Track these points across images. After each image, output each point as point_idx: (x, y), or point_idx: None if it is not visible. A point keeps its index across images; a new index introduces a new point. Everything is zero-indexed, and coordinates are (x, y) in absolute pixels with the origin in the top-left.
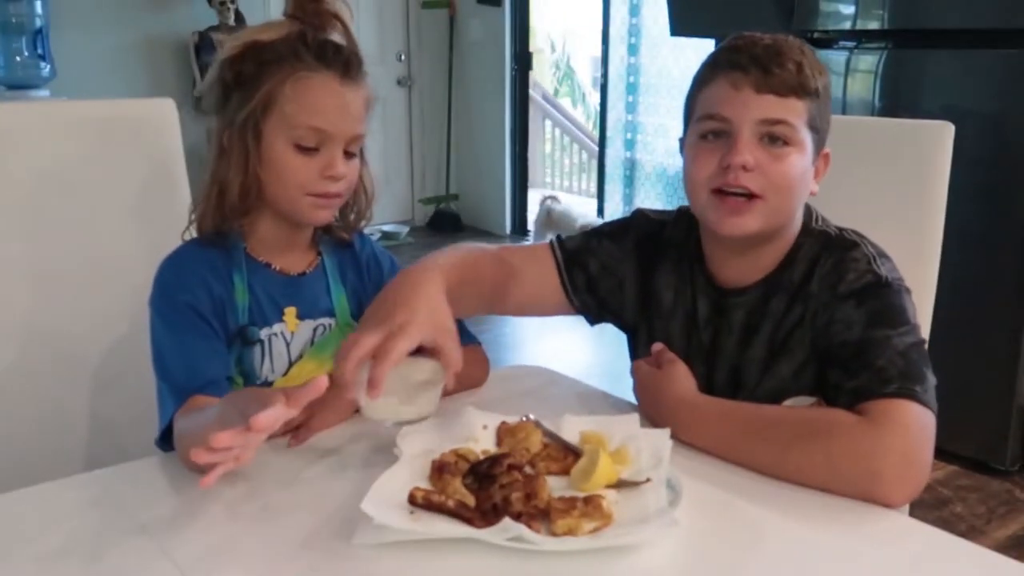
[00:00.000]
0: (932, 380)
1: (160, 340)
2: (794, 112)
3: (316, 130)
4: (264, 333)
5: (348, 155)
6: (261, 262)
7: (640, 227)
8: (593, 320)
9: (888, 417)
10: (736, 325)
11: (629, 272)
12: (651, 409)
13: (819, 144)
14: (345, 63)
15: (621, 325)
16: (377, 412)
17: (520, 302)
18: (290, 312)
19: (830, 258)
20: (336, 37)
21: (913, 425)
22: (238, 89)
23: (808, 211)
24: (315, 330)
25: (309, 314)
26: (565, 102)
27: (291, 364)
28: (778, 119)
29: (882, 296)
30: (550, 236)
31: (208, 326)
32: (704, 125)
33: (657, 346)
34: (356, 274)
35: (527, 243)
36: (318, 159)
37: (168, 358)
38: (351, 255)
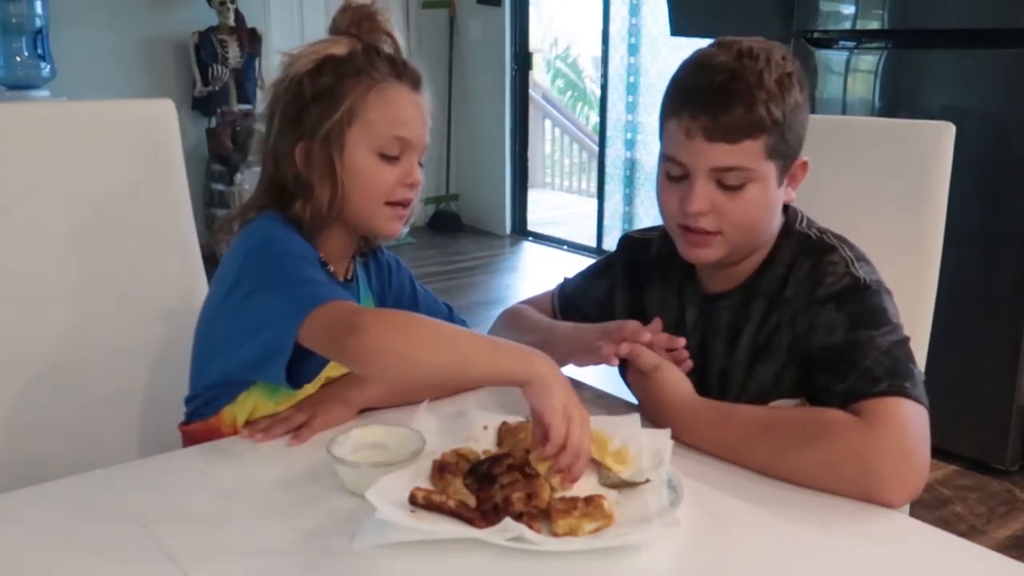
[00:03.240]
0: (920, 375)
1: (268, 273)
2: (748, 154)
3: (400, 139)
4: None
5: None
6: (323, 262)
7: (626, 253)
8: None
9: (882, 416)
10: (721, 329)
11: (620, 299)
12: (653, 414)
13: (788, 162)
14: (413, 77)
15: None
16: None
17: None
18: None
19: (807, 262)
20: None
21: (908, 422)
22: (317, 101)
23: (793, 212)
24: None
25: None
26: (572, 106)
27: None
28: (730, 166)
29: (861, 298)
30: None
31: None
32: (666, 165)
33: (624, 348)
34: (379, 281)
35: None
36: (398, 168)
37: (284, 282)
38: (375, 263)
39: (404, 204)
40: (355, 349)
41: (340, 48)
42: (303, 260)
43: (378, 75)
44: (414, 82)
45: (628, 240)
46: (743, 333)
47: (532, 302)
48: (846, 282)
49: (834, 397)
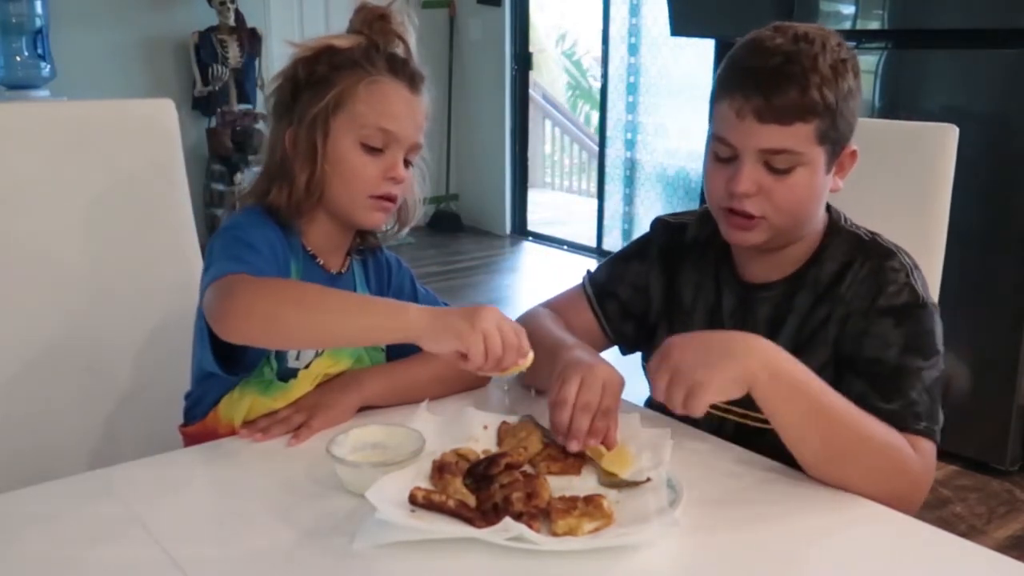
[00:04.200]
0: (941, 418)
1: (213, 261)
2: (799, 137)
3: (384, 131)
4: None
5: (406, 163)
6: (311, 253)
7: (660, 237)
8: (627, 349)
9: (924, 454)
10: (761, 320)
11: (655, 283)
12: (706, 369)
13: (838, 149)
14: (411, 76)
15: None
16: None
17: None
18: None
19: (867, 263)
20: (399, 53)
21: (934, 465)
22: (309, 88)
23: (835, 211)
24: None
25: None
26: (575, 104)
27: (316, 356)
28: (780, 149)
29: (920, 319)
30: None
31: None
32: (715, 145)
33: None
34: (377, 278)
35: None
36: (381, 161)
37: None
38: (373, 261)
39: (388, 198)
40: (224, 315)
41: (342, 42)
42: (250, 247)
43: (373, 69)
44: (411, 82)
45: (661, 224)
46: (786, 325)
47: (554, 305)
48: (906, 297)
49: (874, 412)
